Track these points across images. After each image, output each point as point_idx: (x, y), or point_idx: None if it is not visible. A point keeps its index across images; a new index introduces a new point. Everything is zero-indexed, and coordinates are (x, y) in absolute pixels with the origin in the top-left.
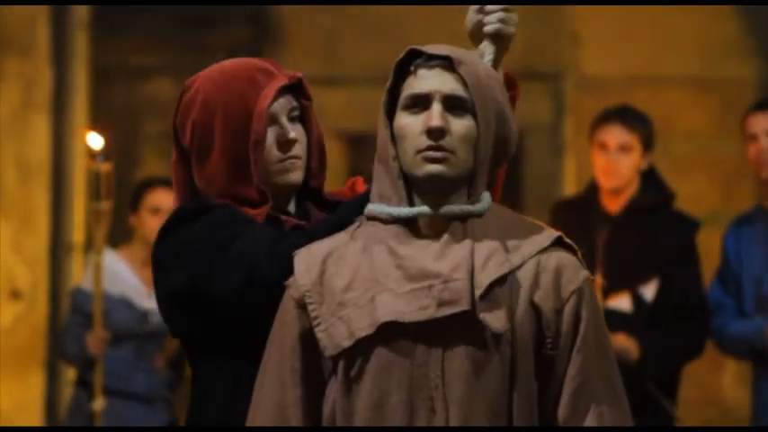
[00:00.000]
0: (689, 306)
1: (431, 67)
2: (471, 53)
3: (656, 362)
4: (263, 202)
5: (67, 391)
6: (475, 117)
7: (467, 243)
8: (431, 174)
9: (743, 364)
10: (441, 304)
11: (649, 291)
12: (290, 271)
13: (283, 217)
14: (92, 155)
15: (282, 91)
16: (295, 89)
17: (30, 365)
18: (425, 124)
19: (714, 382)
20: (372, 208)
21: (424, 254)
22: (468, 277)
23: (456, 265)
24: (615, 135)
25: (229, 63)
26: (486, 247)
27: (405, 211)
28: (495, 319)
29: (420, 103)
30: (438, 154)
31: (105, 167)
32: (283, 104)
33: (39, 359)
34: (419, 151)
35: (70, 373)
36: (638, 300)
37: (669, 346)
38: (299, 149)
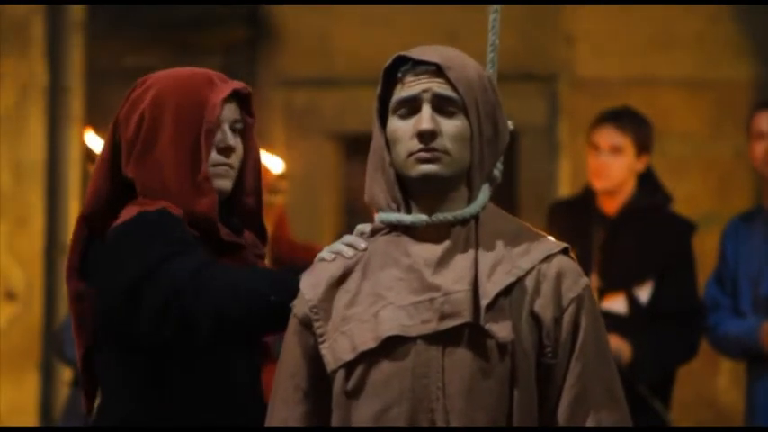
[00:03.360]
0: (684, 309)
1: (418, 74)
2: (461, 55)
3: (648, 364)
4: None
5: (63, 392)
6: (466, 116)
7: (469, 251)
8: (424, 174)
9: (738, 366)
10: (442, 317)
11: (644, 293)
12: (201, 301)
13: (224, 231)
14: (92, 158)
15: (233, 97)
16: (242, 102)
17: (24, 366)
18: (416, 128)
19: (709, 383)
20: (384, 217)
21: (427, 263)
22: (471, 288)
23: (458, 276)
24: (607, 136)
25: (185, 68)
26: (491, 254)
27: (404, 218)
28: (500, 329)
29: (410, 106)
30: (429, 155)
31: None
32: (228, 113)
33: (33, 360)
34: (411, 154)
35: (65, 374)
36: (633, 301)
37: (662, 349)
38: (234, 159)
